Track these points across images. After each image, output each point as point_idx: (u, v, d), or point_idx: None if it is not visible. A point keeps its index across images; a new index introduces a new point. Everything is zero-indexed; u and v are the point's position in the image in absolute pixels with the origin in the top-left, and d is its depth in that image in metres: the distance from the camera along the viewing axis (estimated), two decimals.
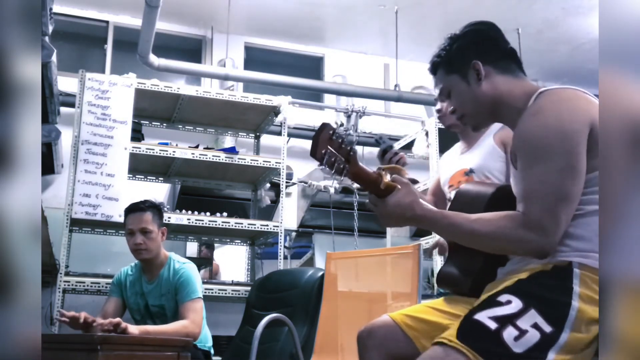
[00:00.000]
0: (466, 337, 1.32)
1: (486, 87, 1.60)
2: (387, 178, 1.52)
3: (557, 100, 1.46)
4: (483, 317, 1.35)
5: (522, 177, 1.44)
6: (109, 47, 6.40)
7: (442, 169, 2.44)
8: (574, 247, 1.42)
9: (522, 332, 1.30)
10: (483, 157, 2.26)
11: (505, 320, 1.33)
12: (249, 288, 4.09)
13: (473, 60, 1.61)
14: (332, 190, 5.19)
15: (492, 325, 1.32)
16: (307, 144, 7.12)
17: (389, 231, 5.07)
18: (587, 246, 1.41)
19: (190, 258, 4.37)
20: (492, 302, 1.41)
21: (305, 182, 5.53)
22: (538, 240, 1.37)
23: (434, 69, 1.70)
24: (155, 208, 3.05)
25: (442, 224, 1.49)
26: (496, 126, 2.30)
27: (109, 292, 3.17)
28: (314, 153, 1.44)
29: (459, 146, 2.48)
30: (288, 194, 5.03)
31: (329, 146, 1.44)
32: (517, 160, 1.49)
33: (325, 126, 1.46)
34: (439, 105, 2.42)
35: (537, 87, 1.58)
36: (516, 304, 1.36)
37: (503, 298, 1.39)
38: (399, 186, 1.52)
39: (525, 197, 1.41)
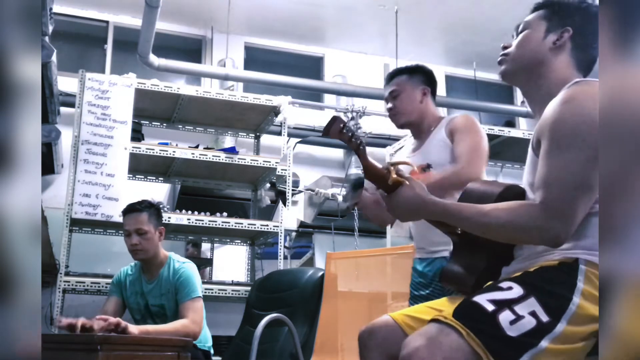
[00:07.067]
0: (462, 316, 1.33)
1: (553, 55, 1.58)
2: (395, 174, 1.52)
3: (591, 92, 1.42)
4: (482, 299, 1.36)
5: (546, 163, 1.42)
6: (109, 47, 6.38)
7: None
8: (582, 244, 1.42)
9: (519, 317, 1.32)
10: (437, 151, 2.32)
11: (503, 304, 1.34)
12: (248, 288, 4.08)
13: (568, 26, 1.58)
14: (340, 199, 5.14)
15: (490, 307, 1.33)
16: (315, 150, 7.04)
17: (389, 231, 5.05)
18: (594, 244, 1.40)
19: (190, 258, 4.37)
20: (493, 287, 1.42)
21: (312, 190, 5.47)
22: (556, 228, 1.36)
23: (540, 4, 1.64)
24: (153, 208, 3.03)
25: (452, 213, 1.48)
26: (446, 120, 2.39)
27: (108, 291, 3.16)
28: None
29: (410, 144, 2.54)
30: (294, 202, 5.01)
31: (340, 139, 1.43)
32: (540, 146, 1.47)
33: (335, 119, 1.45)
34: (389, 104, 2.47)
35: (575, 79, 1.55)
36: (517, 291, 1.37)
37: (505, 284, 1.40)
38: (407, 182, 1.52)
39: (547, 184, 1.40)
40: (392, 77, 2.49)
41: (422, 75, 2.47)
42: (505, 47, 1.65)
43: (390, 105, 2.46)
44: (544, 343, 1.30)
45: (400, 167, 1.58)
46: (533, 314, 1.32)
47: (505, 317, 1.31)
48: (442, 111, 6.41)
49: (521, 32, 1.63)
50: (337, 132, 1.44)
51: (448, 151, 2.30)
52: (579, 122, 1.39)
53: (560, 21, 1.59)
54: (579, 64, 1.59)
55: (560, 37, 1.58)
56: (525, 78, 1.62)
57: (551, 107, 1.46)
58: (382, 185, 1.54)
